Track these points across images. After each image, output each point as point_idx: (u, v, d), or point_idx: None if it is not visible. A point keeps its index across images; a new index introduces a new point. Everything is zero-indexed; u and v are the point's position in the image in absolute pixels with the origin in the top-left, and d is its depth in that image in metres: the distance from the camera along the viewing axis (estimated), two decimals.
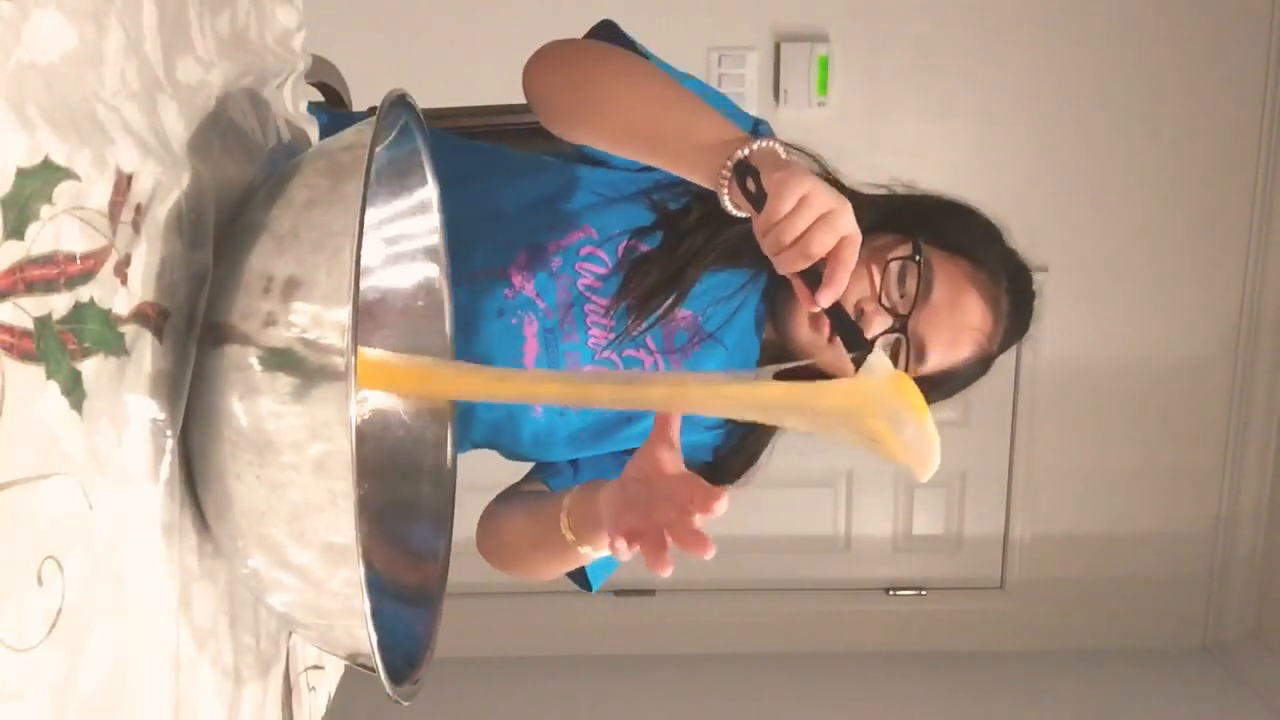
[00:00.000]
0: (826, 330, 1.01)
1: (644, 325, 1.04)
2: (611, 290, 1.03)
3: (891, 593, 2.82)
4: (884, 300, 1.00)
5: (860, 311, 1.00)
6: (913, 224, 1.04)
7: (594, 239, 1.03)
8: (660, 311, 1.03)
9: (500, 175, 1.07)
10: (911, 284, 1.00)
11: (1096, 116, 2.49)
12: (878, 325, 1.00)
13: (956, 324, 1.01)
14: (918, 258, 1.00)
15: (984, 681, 2.72)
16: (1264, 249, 2.58)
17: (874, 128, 2.45)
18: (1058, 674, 2.72)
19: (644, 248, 1.04)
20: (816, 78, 2.40)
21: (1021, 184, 2.49)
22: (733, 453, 1.14)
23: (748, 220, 1.03)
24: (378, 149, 0.68)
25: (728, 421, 1.12)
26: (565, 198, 1.05)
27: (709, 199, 0.95)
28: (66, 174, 0.51)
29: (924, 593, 2.82)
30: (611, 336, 1.05)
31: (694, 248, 1.02)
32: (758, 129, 1.07)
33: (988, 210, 1.10)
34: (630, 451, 1.09)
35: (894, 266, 1.00)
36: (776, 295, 1.08)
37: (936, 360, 1.02)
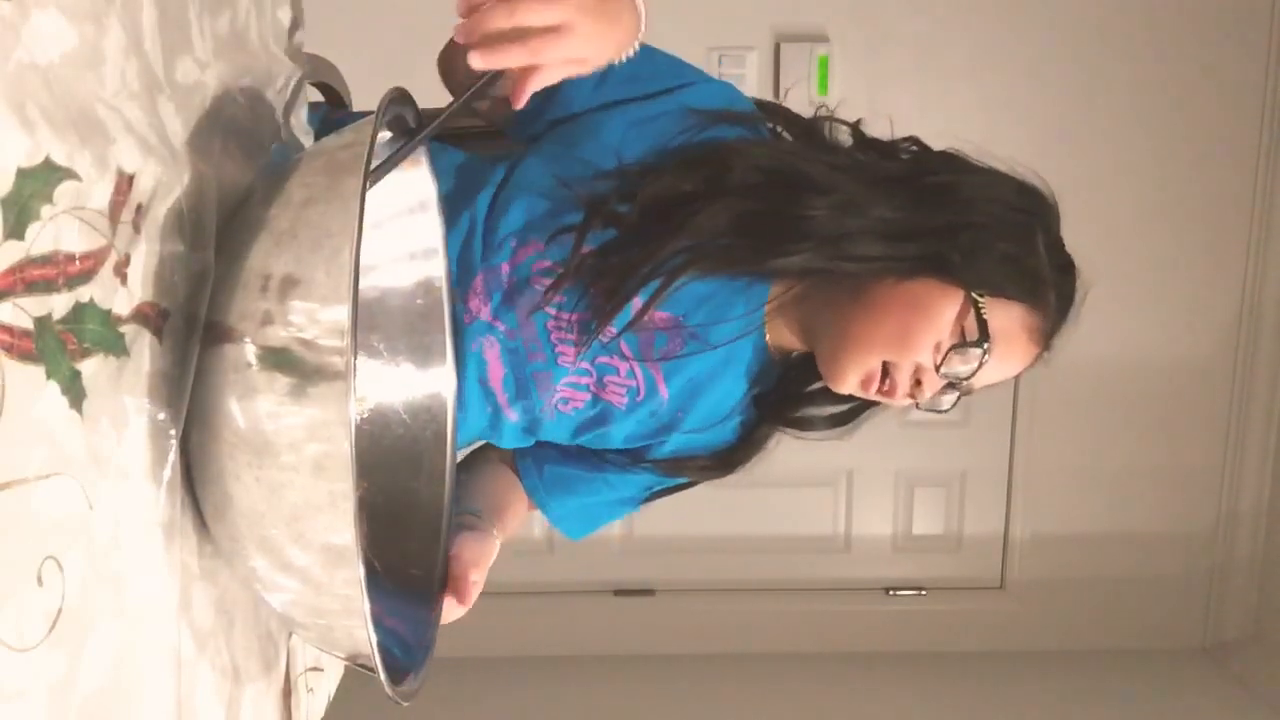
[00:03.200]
0: (874, 389, 0.97)
1: (614, 331, 0.98)
2: (570, 304, 0.99)
3: (891, 593, 2.82)
4: (943, 370, 0.95)
5: (917, 381, 0.96)
6: (969, 270, 0.95)
7: (544, 252, 0.98)
8: (634, 317, 0.97)
9: (455, 197, 1.01)
10: (974, 360, 0.95)
11: (1096, 116, 2.49)
12: (930, 386, 0.96)
13: (1006, 369, 0.99)
14: (986, 350, 0.94)
15: (984, 681, 2.72)
16: (1264, 249, 2.58)
17: (874, 128, 2.45)
18: (1058, 674, 2.72)
19: (589, 249, 0.97)
20: (816, 78, 2.40)
21: None
22: (736, 447, 1.10)
23: (725, 234, 0.95)
24: (376, 147, 0.68)
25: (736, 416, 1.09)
26: (511, 211, 0.99)
27: (650, 183, 0.94)
28: (67, 174, 0.51)
29: (924, 593, 2.82)
30: (580, 350, 1.00)
31: (651, 252, 0.95)
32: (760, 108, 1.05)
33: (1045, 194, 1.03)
34: (607, 452, 1.09)
35: (955, 352, 0.95)
36: (819, 335, 1.01)
37: (979, 387, 1.00)
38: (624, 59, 0.92)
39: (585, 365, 1.02)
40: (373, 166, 0.67)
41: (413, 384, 0.89)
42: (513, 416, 1.05)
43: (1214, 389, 2.67)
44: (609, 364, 1.02)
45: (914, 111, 2.49)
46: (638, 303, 0.97)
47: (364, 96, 1.41)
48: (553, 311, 0.99)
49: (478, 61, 0.74)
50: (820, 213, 0.94)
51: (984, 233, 0.96)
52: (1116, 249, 2.55)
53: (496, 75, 0.77)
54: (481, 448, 1.17)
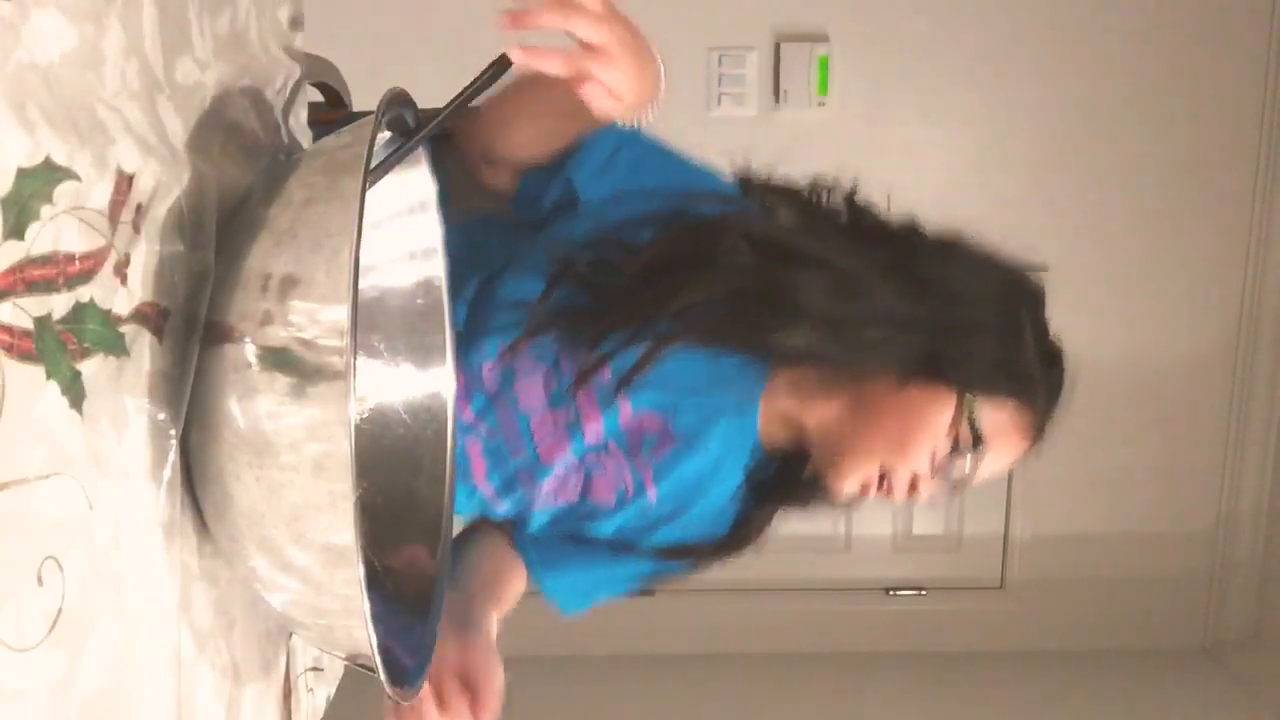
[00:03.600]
0: (874, 490, 0.98)
1: (600, 426, 0.97)
2: (555, 402, 0.97)
3: (891, 593, 2.82)
4: (938, 474, 0.98)
5: (913, 485, 0.98)
6: (962, 372, 0.96)
7: (533, 355, 0.97)
8: (623, 378, 0.95)
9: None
10: (969, 464, 0.97)
11: (1096, 116, 2.49)
12: (926, 489, 0.98)
13: (1000, 465, 1.00)
14: (980, 454, 0.97)
15: (984, 681, 2.72)
16: (1264, 249, 2.58)
17: (874, 128, 2.45)
18: (1058, 674, 2.72)
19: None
20: (816, 78, 2.40)
21: (1021, 184, 2.49)
22: (739, 531, 1.08)
23: (705, 291, 0.93)
24: (376, 146, 0.68)
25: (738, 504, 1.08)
26: (492, 309, 0.98)
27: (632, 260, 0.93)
28: (67, 174, 0.51)
29: (924, 593, 2.82)
30: (564, 449, 0.99)
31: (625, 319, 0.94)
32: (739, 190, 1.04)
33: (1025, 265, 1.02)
34: (592, 540, 1.07)
35: (950, 455, 0.97)
36: (819, 437, 1.00)
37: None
38: (639, 124, 0.93)
39: (573, 461, 1.00)
40: (372, 166, 0.67)
41: (413, 384, 0.89)
42: (501, 508, 1.05)
43: (1214, 389, 2.67)
44: (596, 461, 1.00)
45: (914, 112, 2.50)
46: (626, 406, 0.97)
47: (364, 96, 1.41)
48: (534, 415, 0.98)
49: (517, 56, 0.75)
50: (816, 292, 0.94)
51: (975, 333, 0.96)
52: (1117, 249, 2.55)
53: (496, 75, 0.77)
54: (480, 521, 1.14)
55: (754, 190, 1.04)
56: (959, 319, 0.96)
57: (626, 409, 0.97)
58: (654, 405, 0.98)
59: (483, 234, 1.04)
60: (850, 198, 1.02)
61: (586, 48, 0.79)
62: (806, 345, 0.95)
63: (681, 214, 0.97)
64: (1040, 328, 1.00)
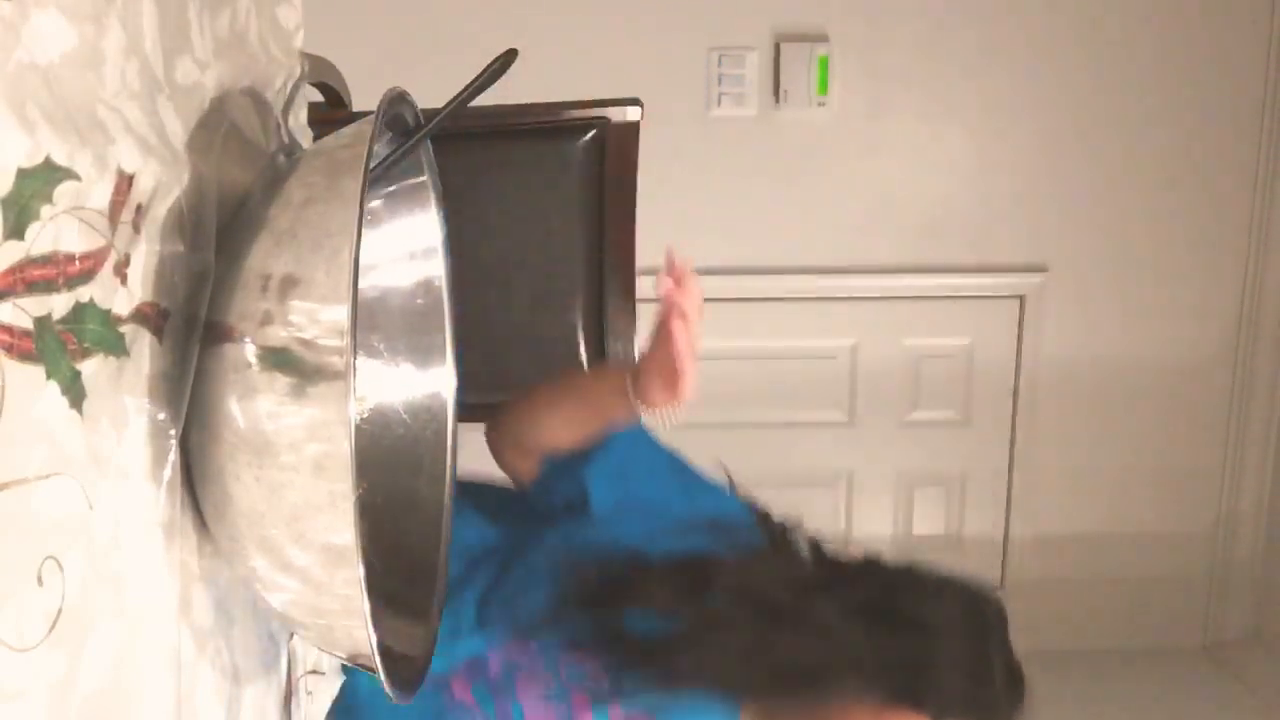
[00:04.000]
0: None
1: None
2: (551, 699, 1.01)
3: None
4: None
5: None
6: (933, 701, 1.01)
7: (536, 654, 1.01)
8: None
9: (460, 564, 1.04)
10: None
11: (1096, 116, 2.49)
12: None
13: None
14: None
15: None
16: (1264, 249, 2.59)
17: (874, 128, 2.45)
18: (1058, 674, 2.72)
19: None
20: (816, 78, 2.40)
21: (1021, 184, 2.49)
22: None
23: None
24: (376, 146, 0.68)
25: None
26: (501, 604, 1.02)
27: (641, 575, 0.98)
28: (67, 174, 0.51)
29: None
30: None
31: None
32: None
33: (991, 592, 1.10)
34: None
35: None
36: None
37: None
38: (663, 424, 1.02)
39: None
40: (372, 166, 0.67)
41: (413, 384, 0.89)
42: None
43: (1214, 389, 2.67)
44: None
45: (914, 111, 2.50)
46: (618, 710, 1.00)
47: (364, 96, 1.41)
48: (528, 708, 1.01)
49: (666, 284, 0.96)
50: (798, 649, 0.99)
51: (945, 666, 1.02)
52: (1117, 249, 2.55)
53: (498, 73, 0.77)
54: None
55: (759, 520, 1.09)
56: (928, 652, 1.02)
57: (618, 712, 1.01)
58: (644, 709, 1.02)
59: (498, 516, 1.09)
60: (815, 543, 1.09)
61: (680, 319, 0.96)
62: (788, 690, 1.01)
63: (680, 549, 1.02)
64: (1005, 650, 1.07)
